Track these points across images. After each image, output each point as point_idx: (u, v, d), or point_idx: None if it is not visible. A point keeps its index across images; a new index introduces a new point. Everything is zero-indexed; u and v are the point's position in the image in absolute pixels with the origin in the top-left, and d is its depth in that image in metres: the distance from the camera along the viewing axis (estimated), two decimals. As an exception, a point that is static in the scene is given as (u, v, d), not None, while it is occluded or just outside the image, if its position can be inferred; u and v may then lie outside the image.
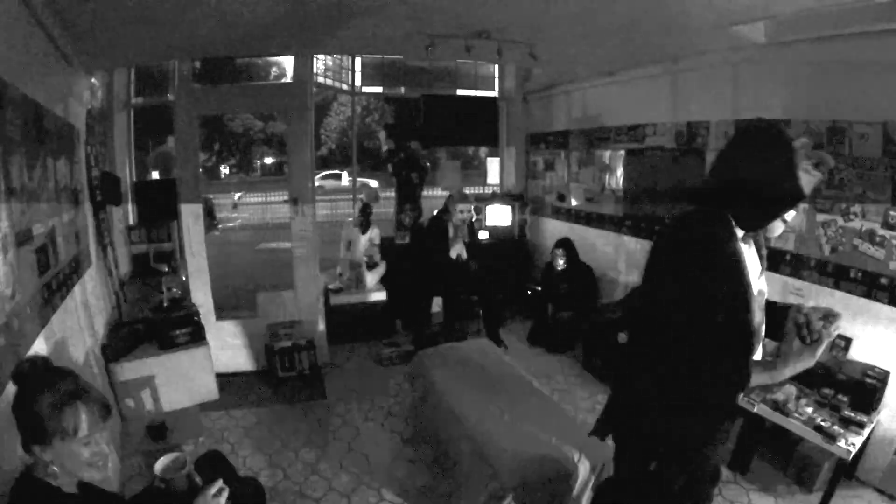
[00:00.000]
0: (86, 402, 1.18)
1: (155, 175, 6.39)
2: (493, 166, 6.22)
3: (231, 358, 3.98)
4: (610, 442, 1.72)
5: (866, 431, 2.37)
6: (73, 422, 1.14)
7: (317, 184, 14.02)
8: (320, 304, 4.23)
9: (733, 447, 2.85)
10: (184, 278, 3.86)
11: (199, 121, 3.85)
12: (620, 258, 4.55)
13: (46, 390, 1.15)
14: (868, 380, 2.56)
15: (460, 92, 5.89)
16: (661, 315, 1.37)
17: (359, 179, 5.48)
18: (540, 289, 4.78)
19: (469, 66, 5.70)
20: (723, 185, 1.35)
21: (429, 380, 2.99)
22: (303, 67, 3.92)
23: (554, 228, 5.39)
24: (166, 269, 3.88)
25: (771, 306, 1.47)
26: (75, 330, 2.43)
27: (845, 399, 2.53)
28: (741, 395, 2.67)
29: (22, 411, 1.15)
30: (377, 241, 5.02)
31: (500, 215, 5.61)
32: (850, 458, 2.28)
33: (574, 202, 5.12)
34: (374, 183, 4.92)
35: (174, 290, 3.68)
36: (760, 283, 1.47)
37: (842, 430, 2.33)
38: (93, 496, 1.29)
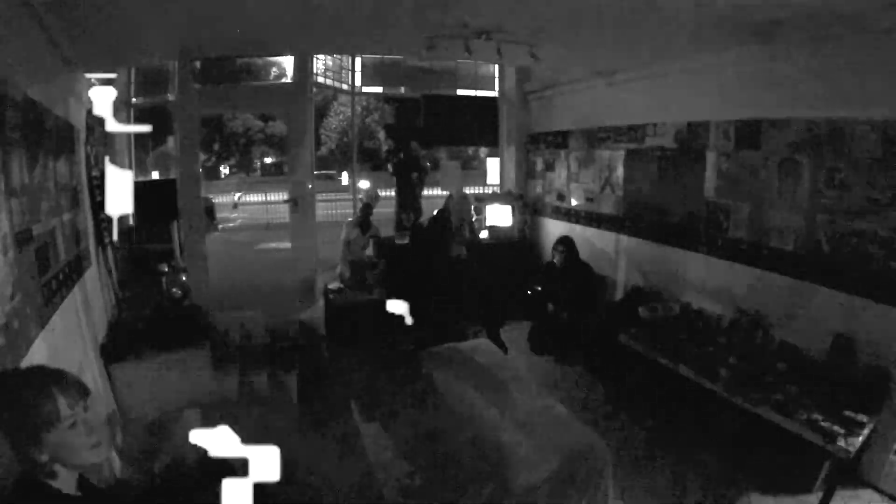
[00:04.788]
0: (58, 385, 1.17)
1: (155, 175, 6.39)
2: (493, 166, 6.22)
3: (231, 358, 3.97)
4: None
5: (866, 431, 2.37)
6: (53, 408, 1.13)
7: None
8: (320, 304, 4.23)
9: (734, 447, 2.85)
10: (184, 278, 3.86)
11: (199, 121, 3.85)
12: (620, 258, 4.55)
13: (18, 392, 1.14)
14: (868, 380, 2.56)
15: (460, 92, 5.89)
16: None
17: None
18: (540, 289, 4.78)
19: (469, 66, 5.70)
20: None
21: (429, 380, 2.99)
22: (303, 67, 3.93)
23: (554, 228, 5.39)
24: (166, 269, 3.88)
25: None
26: (75, 330, 2.43)
27: (845, 399, 2.52)
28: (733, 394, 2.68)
29: (4, 421, 1.13)
30: (377, 242, 5.01)
31: (500, 215, 5.61)
32: (850, 458, 2.27)
33: (574, 202, 5.12)
34: (364, 184, 4.91)
35: (174, 290, 3.68)
36: None
37: (842, 430, 2.33)
38: (93, 497, 1.29)
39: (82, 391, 1.22)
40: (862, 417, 2.39)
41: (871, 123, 2.57)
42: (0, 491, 1.17)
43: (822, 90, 2.80)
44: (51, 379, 1.18)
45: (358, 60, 5.59)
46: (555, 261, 4.56)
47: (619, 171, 4.46)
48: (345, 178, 17.84)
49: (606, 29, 2.96)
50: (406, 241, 5.07)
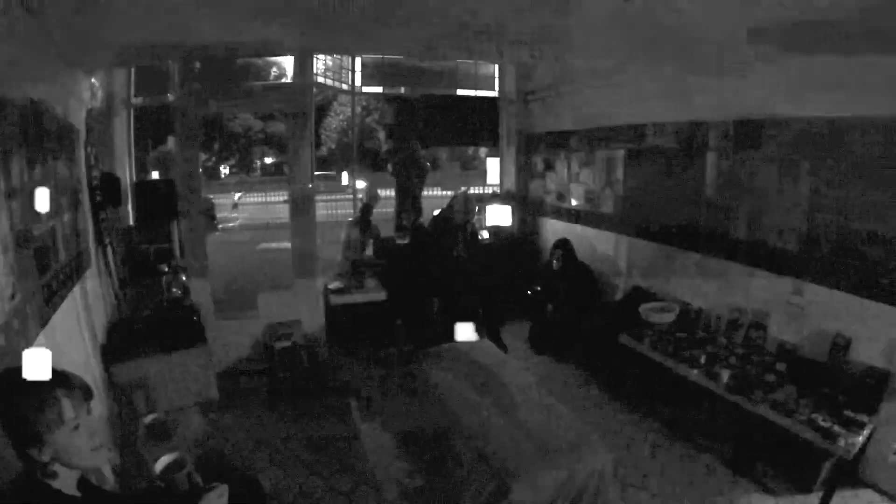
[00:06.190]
0: (64, 387, 1.17)
1: (155, 175, 6.39)
2: (493, 166, 6.22)
3: (231, 358, 3.97)
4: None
5: (866, 431, 2.37)
6: (57, 409, 1.13)
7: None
8: (320, 304, 4.23)
9: (733, 447, 2.86)
10: (184, 278, 3.85)
11: (199, 121, 3.85)
12: (620, 258, 4.55)
13: (22, 390, 1.13)
14: (868, 380, 2.56)
15: (460, 92, 5.89)
16: None
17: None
18: (540, 289, 4.78)
19: (469, 66, 5.70)
20: None
21: (429, 380, 2.99)
22: (303, 67, 3.93)
23: (554, 228, 5.39)
24: (166, 269, 3.88)
25: None
26: (75, 330, 2.43)
27: (845, 399, 2.52)
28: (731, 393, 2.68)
29: (6, 420, 1.13)
30: (377, 242, 5.02)
31: (500, 215, 5.61)
32: (851, 458, 2.27)
33: (574, 202, 5.12)
34: (361, 184, 4.90)
35: (174, 290, 3.68)
36: None
37: (842, 430, 2.33)
38: (93, 497, 1.29)
39: (86, 394, 1.22)
40: (862, 417, 2.39)
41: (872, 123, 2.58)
42: (1, 491, 1.17)
43: (821, 91, 2.80)
44: (56, 381, 1.18)
45: (358, 60, 5.59)
46: (553, 264, 4.56)
47: (619, 171, 4.46)
48: (345, 177, 17.85)
49: (606, 30, 2.96)
50: (406, 241, 5.07)
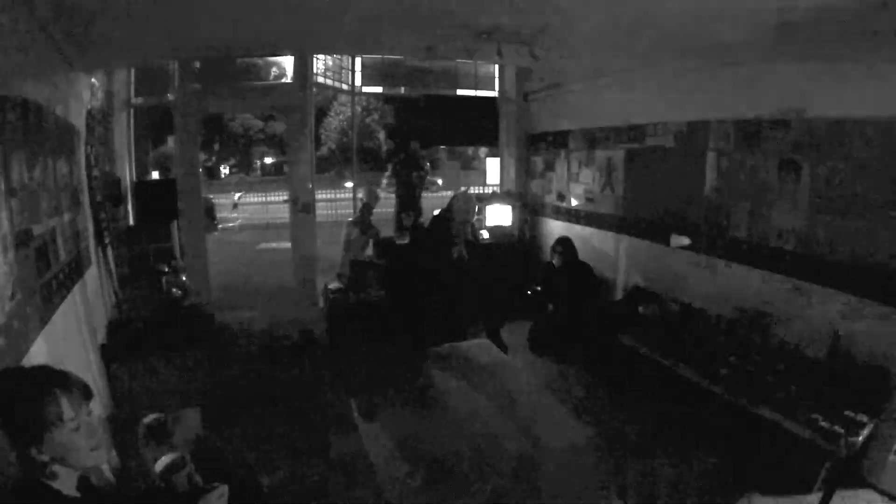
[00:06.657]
0: (62, 387, 1.17)
1: (155, 175, 6.39)
2: (493, 166, 6.22)
3: (230, 358, 3.97)
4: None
5: (866, 431, 2.37)
6: (56, 409, 1.13)
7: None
8: (320, 304, 4.23)
9: (732, 447, 2.85)
10: (184, 278, 3.86)
11: (199, 121, 3.86)
12: (620, 258, 4.55)
13: (21, 390, 1.14)
14: (868, 380, 2.56)
15: (460, 92, 5.89)
16: None
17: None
18: (540, 289, 4.78)
19: (469, 66, 5.70)
20: None
21: (429, 380, 2.99)
22: (303, 67, 3.93)
23: (554, 228, 5.39)
24: (166, 269, 3.89)
25: None
26: (75, 330, 2.43)
27: (845, 399, 2.52)
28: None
29: (6, 420, 1.13)
30: (377, 242, 5.02)
31: (500, 215, 5.61)
32: (850, 457, 2.27)
33: (574, 202, 5.12)
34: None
35: (174, 290, 3.69)
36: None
37: (842, 430, 2.33)
38: (93, 497, 1.29)
39: (86, 394, 1.22)
40: (862, 417, 2.39)
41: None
42: (1, 491, 1.17)
43: (822, 90, 2.80)
44: (55, 380, 1.18)
45: (358, 60, 5.59)
46: (554, 262, 4.56)
47: (619, 171, 4.46)
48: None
49: (607, 29, 2.96)
50: (406, 241, 5.07)
